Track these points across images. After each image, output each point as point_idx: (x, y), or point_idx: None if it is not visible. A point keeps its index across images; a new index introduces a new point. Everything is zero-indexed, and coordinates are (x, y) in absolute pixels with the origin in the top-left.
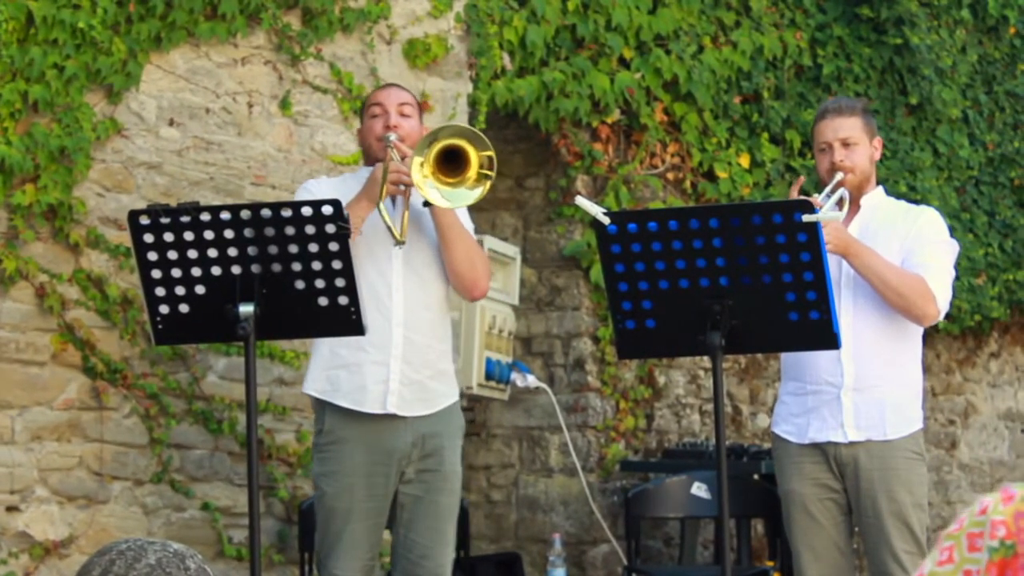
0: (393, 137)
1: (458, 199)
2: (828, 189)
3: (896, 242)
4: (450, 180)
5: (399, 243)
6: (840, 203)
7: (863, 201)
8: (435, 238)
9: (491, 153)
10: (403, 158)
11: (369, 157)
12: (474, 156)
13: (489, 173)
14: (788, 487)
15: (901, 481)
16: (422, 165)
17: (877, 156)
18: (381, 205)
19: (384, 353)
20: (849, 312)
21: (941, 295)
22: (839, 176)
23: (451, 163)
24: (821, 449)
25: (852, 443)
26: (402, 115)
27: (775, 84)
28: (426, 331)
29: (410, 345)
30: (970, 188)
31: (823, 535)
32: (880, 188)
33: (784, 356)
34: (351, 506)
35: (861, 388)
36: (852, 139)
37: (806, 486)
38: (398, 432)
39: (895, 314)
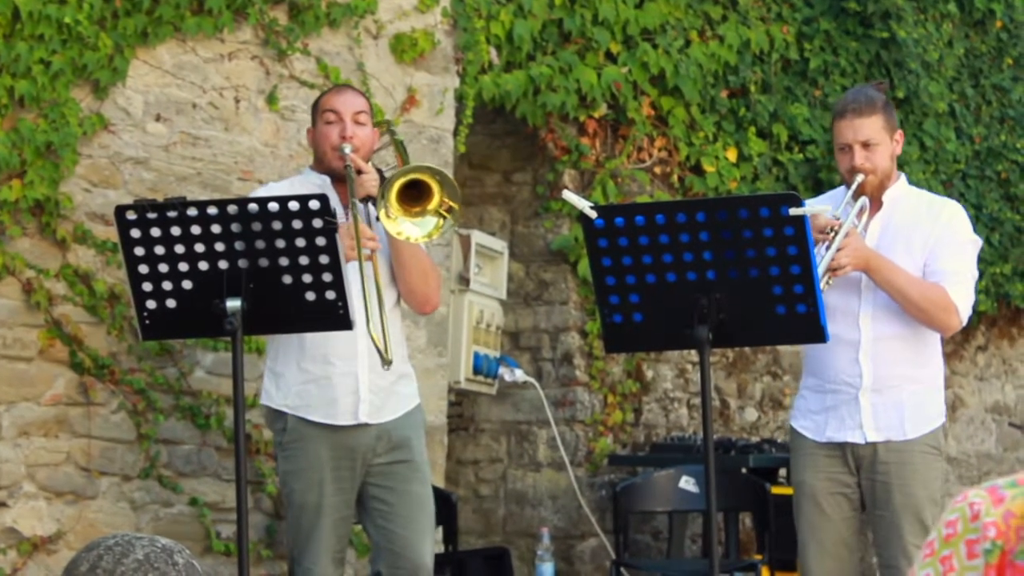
0: (348, 149)
1: (426, 226)
2: (849, 195)
3: (919, 240)
4: (415, 209)
5: (388, 363)
6: (860, 212)
7: (885, 197)
8: (386, 245)
9: (454, 203)
10: (359, 172)
11: (321, 163)
12: (433, 184)
13: (446, 215)
14: (801, 478)
15: (918, 476)
16: (387, 213)
17: (898, 150)
18: (369, 327)
19: (351, 364)
20: (868, 314)
21: (963, 305)
22: (859, 179)
23: (412, 191)
24: (839, 446)
25: (870, 443)
26: (357, 123)
27: (762, 78)
28: (389, 338)
29: (375, 353)
30: (957, 182)
31: (831, 529)
32: (902, 179)
33: (807, 351)
34: (320, 501)
35: (879, 389)
36: (873, 140)
37: (819, 479)
38: (364, 430)
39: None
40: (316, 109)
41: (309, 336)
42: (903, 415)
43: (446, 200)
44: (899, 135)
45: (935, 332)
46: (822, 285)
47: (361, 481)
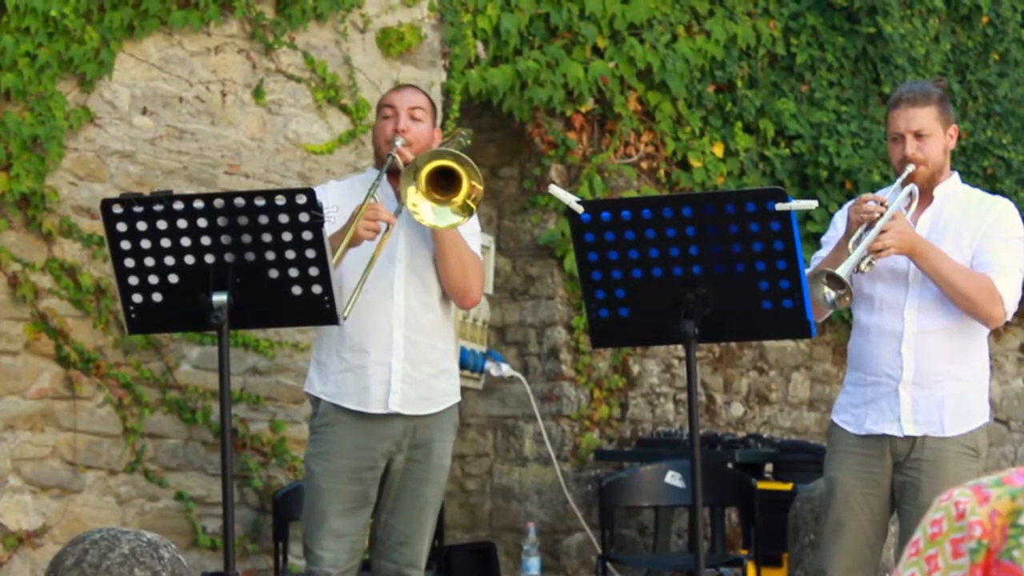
0: (399, 142)
1: (444, 217)
2: (898, 183)
3: (967, 235)
4: (439, 197)
5: (342, 318)
6: (909, 197)
7: (936, 192)
8: (429, 239)
9: (481, 187)
10: (405, 164)
11: (378, 158)
12: (465, 180)
13: (472, 206)
14: (833, 474)
15: (949, 477)
16: (415, 190)
17: (952, 144)
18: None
19: (386, 354)
20: (914, 307)
21: (1009, 297)
22: (910, 169)
23: (444, 180)
24: (877, 440)
25: (908, 436)
26: (412, 118)
27: (749, 73)
28: (428, 331)
29: (412, 345)
30: None
31: (856, 529)
32: (955, 176)
33: (850, 346)
34: (337, 487)
35: (920, 383)
36: (925, 131)
37: (851, 476)
38: (392, 423)
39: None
40: (378, 107)
41: (349, 326)
42: (943, 411)
43: (469, 202)
44: (954, 129)
45: (981, 328)
46: (863, 267)
47: (381, 475)
